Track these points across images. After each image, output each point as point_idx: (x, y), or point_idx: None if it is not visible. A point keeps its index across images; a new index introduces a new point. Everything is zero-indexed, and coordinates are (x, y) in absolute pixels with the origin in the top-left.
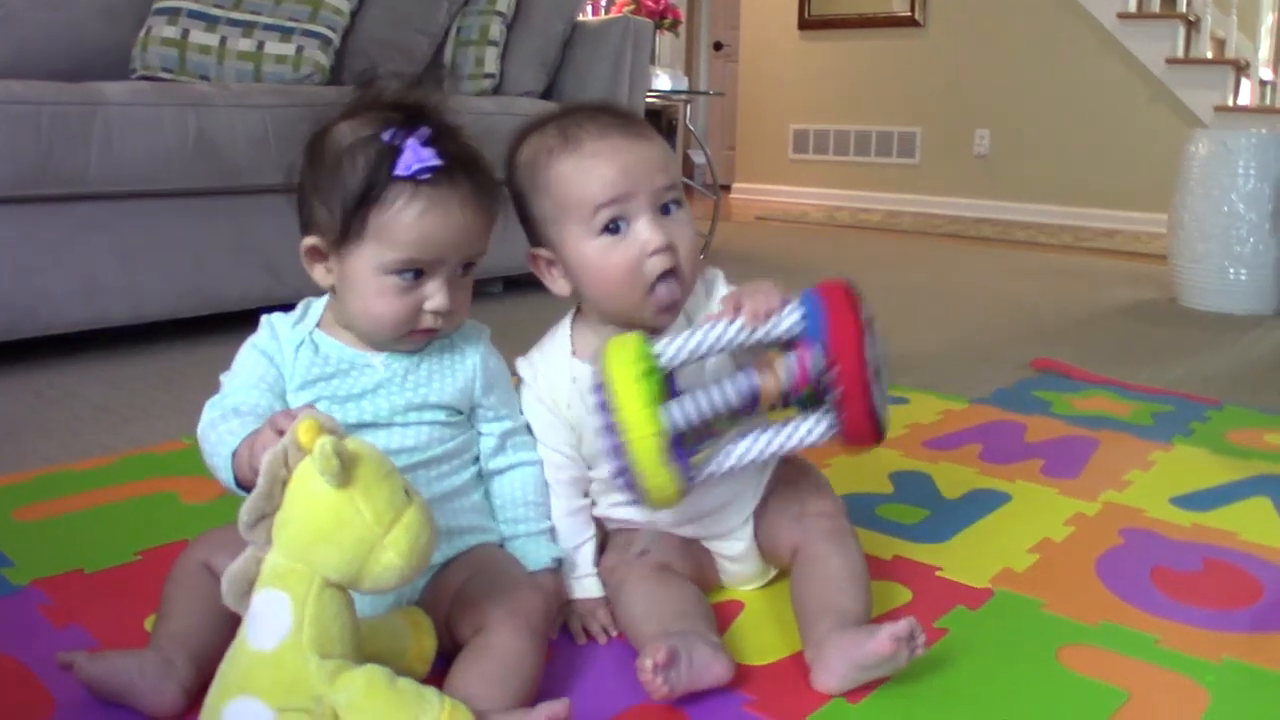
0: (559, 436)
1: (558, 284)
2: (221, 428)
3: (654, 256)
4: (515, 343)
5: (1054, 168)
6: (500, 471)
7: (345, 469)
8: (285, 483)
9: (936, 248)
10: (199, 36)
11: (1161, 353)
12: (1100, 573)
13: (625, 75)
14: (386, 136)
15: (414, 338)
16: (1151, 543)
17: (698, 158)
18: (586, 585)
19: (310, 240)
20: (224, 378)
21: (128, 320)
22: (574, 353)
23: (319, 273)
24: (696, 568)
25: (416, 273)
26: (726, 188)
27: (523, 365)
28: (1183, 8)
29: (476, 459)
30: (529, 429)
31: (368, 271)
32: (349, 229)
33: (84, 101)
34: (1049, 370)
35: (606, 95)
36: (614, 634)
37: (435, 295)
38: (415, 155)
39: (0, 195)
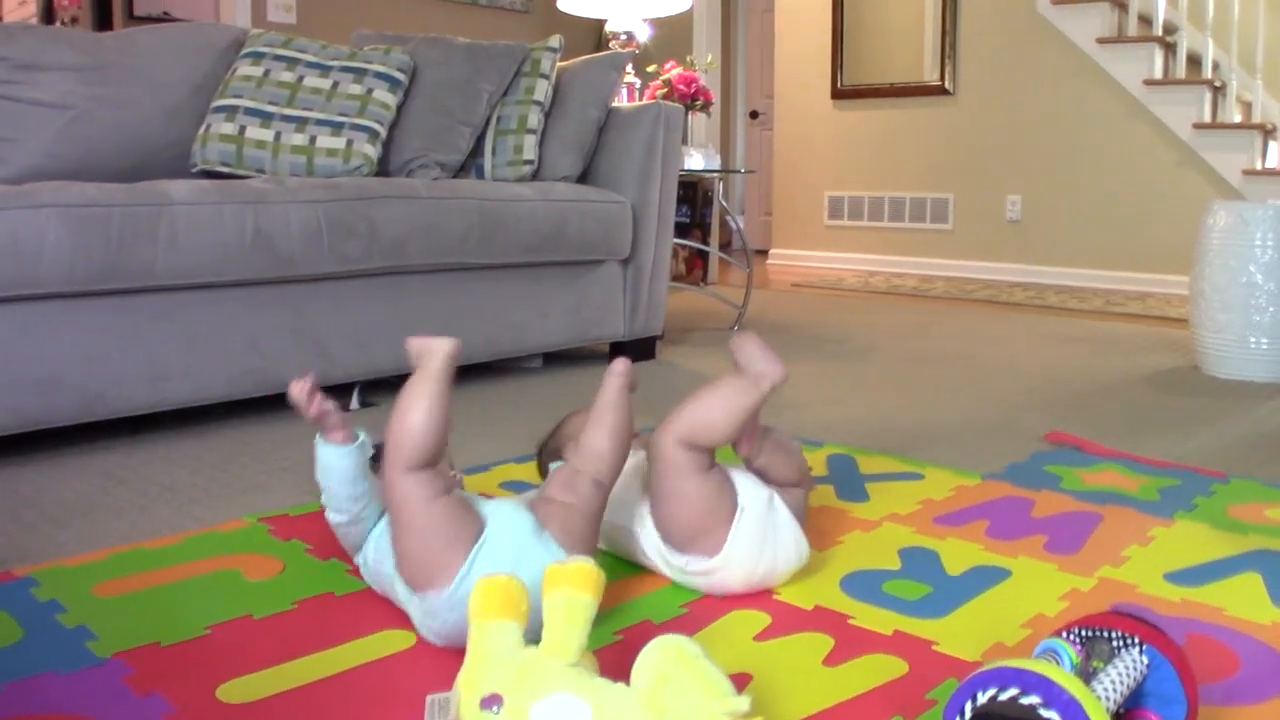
0: None
1: None
2: None
3: None
4: (554, 413)
5: (1085, 232)
6: None
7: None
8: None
9: (969, 313)
10: (255, 132)
11: (1179, 423)
12: None
13: (658, 159)
14: None
15: None
16: None
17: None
18: None
19: None
20: None
21: (189, 402)
22: None
23: None
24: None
25: None
26: (764, 253)
27: None
28: (1208, 73)
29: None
30: None
31: None
32: None
33: (151, 203)
34: (1063, 444)
35: (640, 178)
36: None
37: None
38: None
39: (74, 290)
